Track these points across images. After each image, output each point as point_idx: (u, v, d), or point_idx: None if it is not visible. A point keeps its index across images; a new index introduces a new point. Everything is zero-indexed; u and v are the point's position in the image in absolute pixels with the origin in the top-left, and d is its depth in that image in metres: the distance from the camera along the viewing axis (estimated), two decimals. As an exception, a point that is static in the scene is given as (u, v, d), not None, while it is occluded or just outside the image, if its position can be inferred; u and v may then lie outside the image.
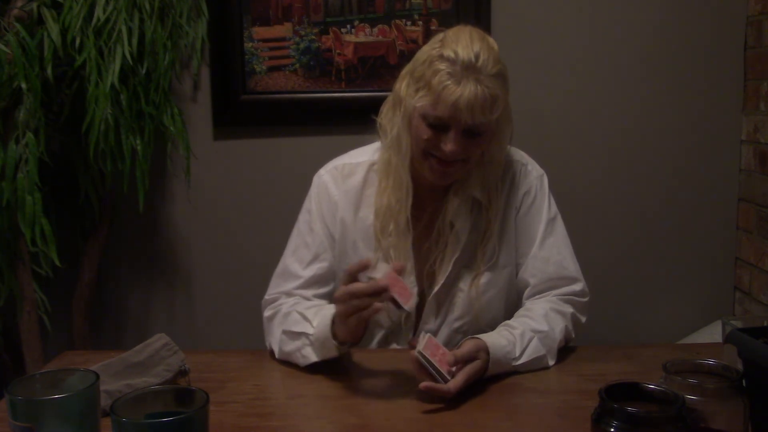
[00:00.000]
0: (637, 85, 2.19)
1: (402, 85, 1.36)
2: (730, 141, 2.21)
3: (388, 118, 1.39)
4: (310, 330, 1.30)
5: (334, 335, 1.26)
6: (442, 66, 1.27)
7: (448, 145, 1.29)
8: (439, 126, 1.30)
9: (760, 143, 2.10)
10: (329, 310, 1.29)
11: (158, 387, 1.02)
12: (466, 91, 1.25)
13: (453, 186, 1.41)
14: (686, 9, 2.15)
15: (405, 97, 1.34)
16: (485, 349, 1.23)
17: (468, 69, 1.26)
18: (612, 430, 0.79)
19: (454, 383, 1.15)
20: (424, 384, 1.15)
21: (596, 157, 2.22)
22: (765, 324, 1.06)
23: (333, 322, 1.25)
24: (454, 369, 1.18)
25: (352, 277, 1.19)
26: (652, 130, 2.21)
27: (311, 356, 1.30)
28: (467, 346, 1.22)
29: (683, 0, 2.15)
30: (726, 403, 0.86)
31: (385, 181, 1.40)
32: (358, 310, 1.17)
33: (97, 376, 0.88)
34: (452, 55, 1.26)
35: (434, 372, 1.16)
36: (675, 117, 2.20)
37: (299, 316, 1.34)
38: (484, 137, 1.33)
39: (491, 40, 1.33)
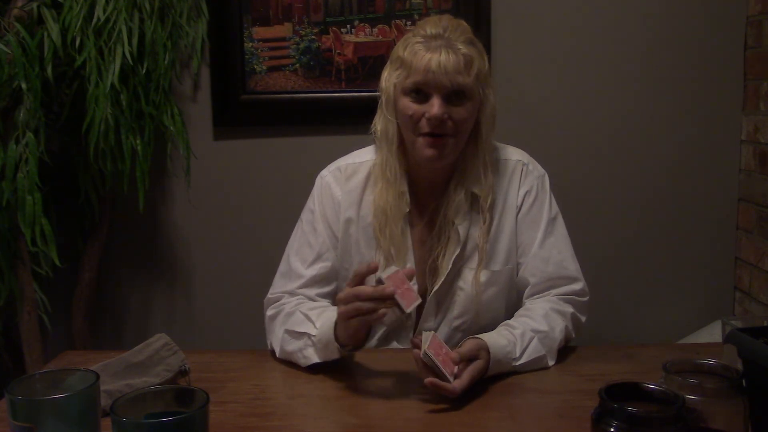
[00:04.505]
0: (637, 84, 2.19)
1: (383, 77, 1.40)
2: (730, 141, 2.21)
3: (378, 117, 1.41)
4: (312, 331, 1.30)
5: (336, 337, 1.26)
6: (414, 41, 1.34)
7: (434, 109, 1.30)
8: (420, 96, 1.32)
9: (760, 143, 2.10)
10: (333, 311, 1.29)
11: (158, 387, 1.02)
12: (437, 54, 1.30)
13: (452, 182, 1.41)
14: (686, 9, 2.15)
15: (385, 84, 1.38)
16: (486, 349, 1.23)
17: (437, 38, 1.33)
18: (612, 430, 0.79)
19: (459, 383, 1.15)
20: (429, 380, 1.14)
21: (596, 156, 2.22)
22: (765, 324, 1.07)
23: (336, 324, 1.25)
24: (456, 369, 1.18)
25: (359, 278, 1.18)
26: (652, 130, 2.21)
27: (313, 357, 1.30)
28: (469, 345, 1.21)
29: (683, 0, 2.15)
30: (726, 403, 0.86)
31: (382, 181, 1.40)
32: (360, 313, 1.17)
33: (97, 376, 0.88)
34: (422, 31, 1.35)
35: (439, 372, 1.15)
36: (675, 117, 2.20)
37: (302, 317, 1.34)
38: (469, 103, 1.34)
39: (463, 21, 1.39)
